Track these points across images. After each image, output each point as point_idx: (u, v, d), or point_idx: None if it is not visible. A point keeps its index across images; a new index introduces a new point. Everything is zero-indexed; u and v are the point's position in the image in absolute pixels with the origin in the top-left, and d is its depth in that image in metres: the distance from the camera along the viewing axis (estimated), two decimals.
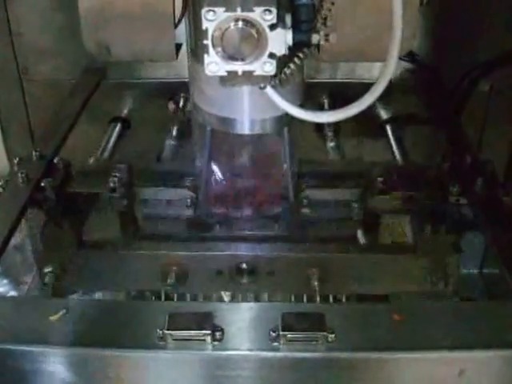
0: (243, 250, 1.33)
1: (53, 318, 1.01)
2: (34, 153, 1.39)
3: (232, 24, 0.95)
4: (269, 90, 1.08)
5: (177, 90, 1.80)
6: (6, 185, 1.32)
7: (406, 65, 1.77)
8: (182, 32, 1.27)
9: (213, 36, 0.96)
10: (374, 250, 1.39)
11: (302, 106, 1.25)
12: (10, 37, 1.77)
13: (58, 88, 1.78)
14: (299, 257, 1.32)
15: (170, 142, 1.73)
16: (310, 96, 1.29)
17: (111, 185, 1.33)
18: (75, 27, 1.57)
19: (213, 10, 0.94)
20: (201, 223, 1.43)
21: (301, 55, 1.04)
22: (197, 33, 1.17)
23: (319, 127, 1.77)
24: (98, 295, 1.67)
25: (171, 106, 1.81)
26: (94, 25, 1.25)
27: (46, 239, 1.33)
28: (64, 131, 1.52)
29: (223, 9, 0.94)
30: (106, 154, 1.67)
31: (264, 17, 0.94)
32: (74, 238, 1.32)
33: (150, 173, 1.47)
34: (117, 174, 1.34)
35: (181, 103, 1.81)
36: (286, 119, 1.21)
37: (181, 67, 1.62)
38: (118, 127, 1.81)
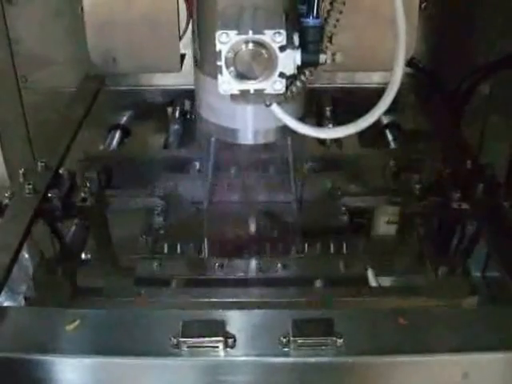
0: (248, 296, 1.38)
1: (69, 327, 1.07)
2: (39, 163, 1.44)
3: (244, 46, 1.03)
4: (274, 108, 1.16)
5: (176, 97, 1.87)
6: (13, 196, 1.37)
7: (405, 69, 1.82)
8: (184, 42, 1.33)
9: (226, 57, 1.03)
10: (386, 292, 1.42)
11: (304, 114, 1.32)
12: (8, 45, 1.81)
13: (56, 96, 1.83)
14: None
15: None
16: (309, 102, 1.35)
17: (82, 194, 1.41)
18: (74, 35, 1.64)
19: (226, 33, 1.02)
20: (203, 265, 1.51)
21: (307, 73, 1.13)
22: (202, 44, 1.25)
23: None
24: None
25: (170, 113, 1.87)
26: (100, 37, 1.31)
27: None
28: (67, 141, 1.56)
29: (235, 32, 1.02)
30: None
31: (274, 39, 1.02)
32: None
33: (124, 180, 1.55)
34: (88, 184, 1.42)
35: (178, 111, 1.88)
36: (290, 129, 1.25)
37: (180, 75, 1.71)
38: (118, 135, 1.86)
